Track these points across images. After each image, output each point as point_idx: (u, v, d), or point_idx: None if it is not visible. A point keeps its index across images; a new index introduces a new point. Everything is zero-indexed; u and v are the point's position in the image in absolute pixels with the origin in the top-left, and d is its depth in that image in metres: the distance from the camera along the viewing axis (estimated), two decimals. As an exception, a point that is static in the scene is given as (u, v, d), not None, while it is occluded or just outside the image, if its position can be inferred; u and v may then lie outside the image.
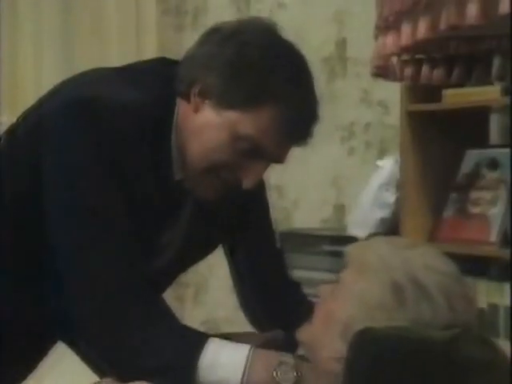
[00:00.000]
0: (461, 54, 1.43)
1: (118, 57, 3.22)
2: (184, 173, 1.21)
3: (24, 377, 1.36)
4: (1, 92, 2.87)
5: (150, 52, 3.32)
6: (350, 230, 2.46)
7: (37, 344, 1.32)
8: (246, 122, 1.15)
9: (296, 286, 1.49)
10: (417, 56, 1.55)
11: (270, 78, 1.15)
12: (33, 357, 1.36)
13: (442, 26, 1.04)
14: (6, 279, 1.23)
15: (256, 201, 1.40)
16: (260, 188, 1.39)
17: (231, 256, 1.45)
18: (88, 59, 3.14)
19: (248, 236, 1.41)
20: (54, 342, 1.37)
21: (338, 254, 2.57)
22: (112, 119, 1.13)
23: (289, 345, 1.16)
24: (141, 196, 1.16)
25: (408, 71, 1.51)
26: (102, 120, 1.13)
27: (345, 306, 1.01)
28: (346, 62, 2.92)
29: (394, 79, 1.63)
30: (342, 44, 2.93)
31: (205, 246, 1.38)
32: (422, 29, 1.10)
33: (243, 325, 2.31)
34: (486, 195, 2.13)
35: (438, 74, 1.48)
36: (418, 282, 0.99)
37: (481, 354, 0.93)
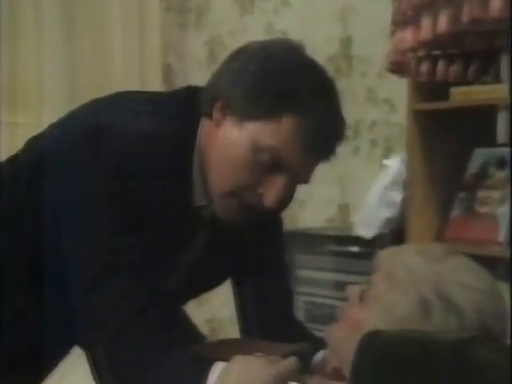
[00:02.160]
0: (477, 51, 1.41)
1: (121, 55, 3.20)
2: (207, 198, 1.21)
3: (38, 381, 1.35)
4: (0, 91, 2.85)
5: (153, 50, 3.30)
6: (355, 230, 2.44)
7: (50, 349, 1.31)
8: (267, 133, 1.14)
9: (300, 325, 1.47)
10: (433, 52, 1.52)
11: (292, 89, 1.14)
12: (46, 362, 1.34)
13: (465, 19, 1.01)
14: (17, 284, 1.23)
15: (271, 237, 1.39)
16: (277, 225, 1.39)
17: (237, 285, 1.43)
18: (90, 58, 3.12)
19: (258, 271, 1.39)
20: (69, 347, 1.36)
21: (343, 254, 2.56)
22: (126, 147, 1.13)
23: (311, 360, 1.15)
24: (156, 220, 1.16)
25: (424, 67, 1.48)
26: (115, 148, 1.13)
27: (373, 315, 1.00)
28: (351, 60, 2.90)
29: (410, 75, 1.60)
30: (347, 42, 2.91)
31: (216, 273, 1.36)
32: (443, 22, 1.07)
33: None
34: (494, 194, 2.11)
35: (454, 70, 1.45)
36: (448, 299, 0.97)
37: (491, 357, 0.90)
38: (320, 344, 1.21)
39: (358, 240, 2.42)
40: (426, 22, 1.15)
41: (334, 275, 2.50)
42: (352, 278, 2.41)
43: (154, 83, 3.24)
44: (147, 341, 1.10)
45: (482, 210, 2.13)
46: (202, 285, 1.39)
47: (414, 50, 1.41)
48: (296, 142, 1.14)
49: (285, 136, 1.14)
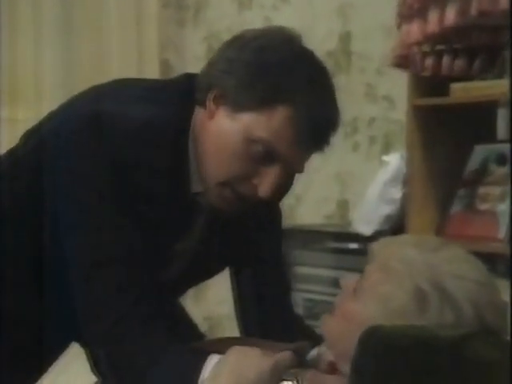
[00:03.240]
0: (482, 46, 1.39)
1: (118, 51, 3.20)
2: (203, 185, 1.20)
3: (36, 378, 1.35)
4: (1, 86, 2.85)
5: (150, 46, 3.29)
6: (354, 227, 2.43)
7: (49, 344, 1.31)
8: (260, 124, 1.13)
9: (298, 318, 1.47)
10: (438, 47, 1.51)
11: (286, 79, 1.13)
12: (45, 357, 1.34)
13: (473, 11, 1.00)
14: (17, 280, 1.23)
15: (270, 228, 1.39)
16: (276, 217, 1.39)
17: (235, 275, 1.43)
18: (88, 54, 3.11)
19: (257, 260, 1.38)
20: (68, 343, 1.36)
21: (342, 251, 2.55)
22: (124, 134, 1.13)
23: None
24: (155, 208, 1.16)
25: (429, 62, 1.47)
26: (114, 134, 1.13)
27: (368, 308, 0.98)
28: (350, 56, 2.89)
29: (415, 70, 1.59)
30: (346, 38, 2.89)
31: (214, 261, 1.36)
32: (451, 15, 1.06)
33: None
34: (495, 191, 2.10)
35: (459, 64, 1.44)
36: (443, 290, 0.95)
37: (492, 353, 0.89)
38: (317, 337, 1.21)
39: (357, 237, 2.41)
40: (433, 15, 1.13)
41: (333, 272, 2.49)
42: (351, 275, 2.40)
43: (152, 79, 3.22)
44: (145, 330, 1.10)
45: (482, 206, 2.12)
46: (201, 274, 1.38)
47: (419, 43, 1.39)
48: (289, 134, 1.14)
49: (278, 128, 1.13)
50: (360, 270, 2.55)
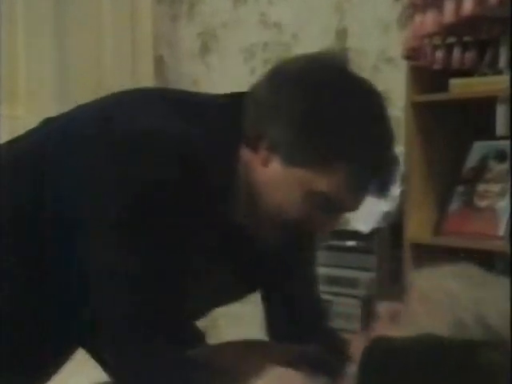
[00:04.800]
0: (492, 38, 1.38)
1: (112, 46, 3.18)
2: (250, 219, 1.16)
3: (44, 381, 1.32)
4: (1, 84, 2.84)
5: (145, 42, 3.27)
6: (352, 224, 2.40)
7: (58, 349, 1.27)
8: (318, 180, 1.09)
9: (334, 334, 1.42)
10: (447, 41, 1.49)
11: (341, 136, 1.08)
12: (54, 362, 1.31)
13: (493, 0, 0.97)
14: (30, 283, 1.18)
15: (304, 248, 1.35)
16: (312, 236, 1.33)
17: (267, 296, 1.39)
18: (82, 50, 3.10)
19: (290, 281, 1.35)
20: (75, 348, 1.31)
21: (340, 249, 2.53)
22: (168, 158, 1.07)
23: (323, 362, 1.12)
24: (192, 238, 1.11)
25: (439, 55, 1.45)
26: (168, 157, 1.07)
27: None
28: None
29: (426, 63, 1.57)
30: (342, 34, 2.87)
31: (245, 286, 1.33)
32: (469, 5, 1.03)
33: (240, 319, 2.25)
34: (494, 188, 2.09)
35: (470, 57, 1.42)
36: (488, 326, 0.95)
37: (500, 361, 0.88)
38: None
39: (355, 234, 2.39)
40: (449, 5, 1.10)
41: (331, 270, 2.47)
42: (349, 272, 2.39)
43: (146, 75, 3.21)
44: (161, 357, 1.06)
45: (482, 203, 2.11)
46: (229, 297, 1.35)
47: (433, 35, 1.37)
48: (350, 188, 1.10)
49: (338, 183, 1.09)
50: (358, 268, 2.51)
